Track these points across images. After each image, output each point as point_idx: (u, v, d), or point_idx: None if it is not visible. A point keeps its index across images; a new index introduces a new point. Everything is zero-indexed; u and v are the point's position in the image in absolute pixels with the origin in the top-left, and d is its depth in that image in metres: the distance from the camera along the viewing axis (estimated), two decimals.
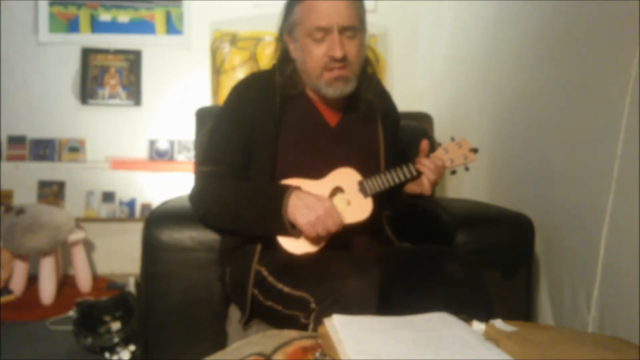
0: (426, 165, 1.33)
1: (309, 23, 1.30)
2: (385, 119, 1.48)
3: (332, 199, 1.35)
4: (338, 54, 1.28)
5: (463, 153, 1.37)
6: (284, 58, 1.40)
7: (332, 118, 1.42)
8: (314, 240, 1.29)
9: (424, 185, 1.34)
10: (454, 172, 1.39)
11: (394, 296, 1.23)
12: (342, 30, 1.29)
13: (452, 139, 1.39)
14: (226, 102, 1.43)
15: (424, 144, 1.35)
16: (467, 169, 1.41)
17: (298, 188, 1.28)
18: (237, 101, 1.40)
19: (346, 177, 1.34)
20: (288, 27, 1.36)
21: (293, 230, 1.27)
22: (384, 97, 1.51)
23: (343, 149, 1.39)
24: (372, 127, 1.45)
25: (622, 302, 1.43)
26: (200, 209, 1.39)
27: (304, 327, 1.13)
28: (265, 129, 1.35)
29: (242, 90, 1.42)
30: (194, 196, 1.40)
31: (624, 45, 1.42)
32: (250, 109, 1.36)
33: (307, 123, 1.41)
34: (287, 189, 1.27)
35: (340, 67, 1.31)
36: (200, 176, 1.39)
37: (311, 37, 1.30)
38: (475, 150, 1.38)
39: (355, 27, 1.31)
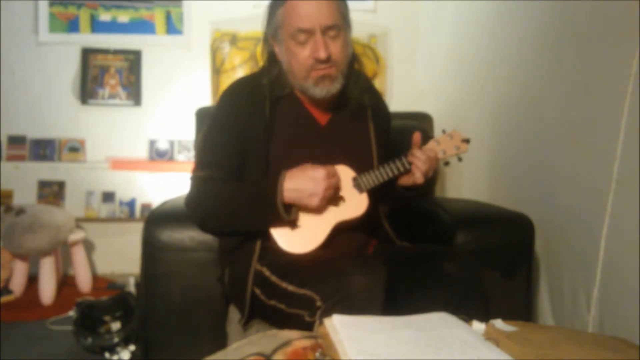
0: (417, 155, 1.33)
1: (291, 25, 1.29)
2: (375, 114, 1.48)
3: None
4: (322, 55, 1.27)
5: (455, 144, 1.38)
6: (271, 60, 1.40)
7: (322, 117, 1.43)
8: (323, 203, 1.28)
9: (415, 176, 1.34)
10: (447, 164, 1.42)
11: (394, 295, 1.23)
12: (325, 30, 1.28)
13: (444, 131, 1.40)
14: (217, 107, 1.43)
15: (416, 136, 1.36)
16: (460, 159, 1.42)
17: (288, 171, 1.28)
18: (227, 106, 1.40)
19: (340, 174, 1.34)
20: (272, 29, 1.35)
21: (287, 216, 1.28)
22: (373, 93, 1.51)
23: (335, 147, 1.39)
24: (363, 124, 1.46)
25: (622, 302, 1.43)
26: (197, 213, 1.37)
27: (308, 326, 1.13)
28: (257, 132, 1.35)
29: (231, 94, 1.42)
30: (190, 201, 1.38)
31: (624, 45, 1.42)
32: (241, 113, 1.36)
33: (298, 123, 1.41)
34: (279, 176, 1.28)
35: (326, 67, 1.30)
36: (195, 182, 1.38)
37: (294, 39, 1.29)
38: (467, 141, 1.39)
39: (338, 26, 1.30)
